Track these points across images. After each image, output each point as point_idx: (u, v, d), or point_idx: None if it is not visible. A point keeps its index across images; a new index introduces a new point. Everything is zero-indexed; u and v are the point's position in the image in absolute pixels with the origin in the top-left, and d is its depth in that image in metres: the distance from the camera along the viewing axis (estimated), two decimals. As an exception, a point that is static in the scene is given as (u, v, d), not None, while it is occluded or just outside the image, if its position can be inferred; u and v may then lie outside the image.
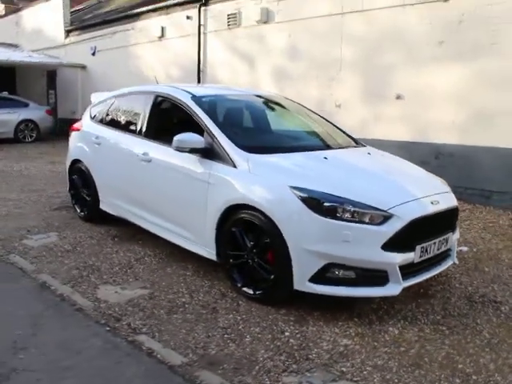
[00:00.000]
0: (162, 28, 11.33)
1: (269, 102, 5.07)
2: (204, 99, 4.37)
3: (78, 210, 5.66)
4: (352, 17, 8.17)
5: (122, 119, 5.08)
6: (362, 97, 8.16)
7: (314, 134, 4.70)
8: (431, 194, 3.64)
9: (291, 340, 3.14)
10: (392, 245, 3.26)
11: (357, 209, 3.25)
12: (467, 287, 4.00)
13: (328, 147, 4.29)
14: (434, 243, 3.55)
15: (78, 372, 2.74)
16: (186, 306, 3.58)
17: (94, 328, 3.25)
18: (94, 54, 13.52)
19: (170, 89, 4.65)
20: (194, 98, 4.34)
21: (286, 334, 3.21)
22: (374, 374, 2.79)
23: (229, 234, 3.72)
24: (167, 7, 11.22)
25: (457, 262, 3.98)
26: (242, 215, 3.59)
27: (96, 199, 5.31)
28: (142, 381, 2.69)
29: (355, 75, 8.24)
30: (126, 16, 12.30)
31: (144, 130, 4.65)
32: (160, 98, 4.68)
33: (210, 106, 4.33)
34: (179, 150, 3.94)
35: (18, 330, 3.16)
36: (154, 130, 4.61)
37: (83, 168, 5.45)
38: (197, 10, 10.48)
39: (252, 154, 3.74)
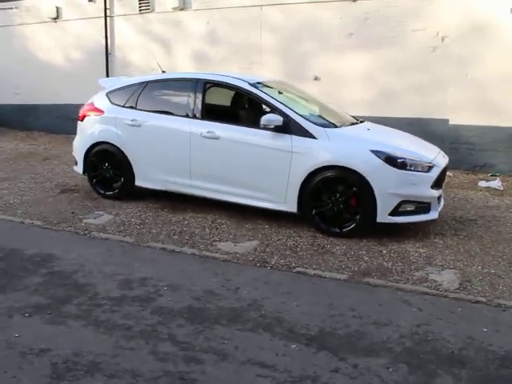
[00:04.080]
0: (57, 8, 10.91)
1: (291, 88, 6.15)
2: (259, 85, 5.31)
3: (102, 191, 5.97)
4: (271, 9, 9.44)
5: (166, 103, 5.66)
6: (282, 78, 9.57)
7: (336, 113, 5.91)
8: (439, 151, 5.35)
9: (391, 254, 4.53)
10: (434, 185, 4.86)
11: (416, 162, 4.76)
12: (447, 214, 5.84)
13: (356, 122, 5.65)
14: (444, 184, 5.28)
15: (297, 293, 3.67)
16: (299, 246, 4.67)
17: (259, 269, 4.14)
18: (-40, 31, 12.05)
19: (222, 77, 5.45)
20: (251, 84, 5.26)
21: (384, 252, 4.59)
22: (457, 262, 4.36)
23: (312, 190, 4.86)
24: (62, -14, 10.84)
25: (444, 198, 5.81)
26: (329, 174, 4.79)
27: (131, 177, 5.77)
28: (344, 289, 3.81)
29: (275, 60, 9.59)
30: (5, -8, 11.35)
31: (200, 112, 5.34)
32: (210, 85, 5.44)
33: (267, 90, 5.29)
34: (265, 127, 4.90)
35: (213, 279, 3.88)
36: (213, 112, 5.37)
37: (111, 149, 5.80)
38: (100, -9, 10.47)
39: (326, 128, 4.93)
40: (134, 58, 10.65)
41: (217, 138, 5.21)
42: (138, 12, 10.43)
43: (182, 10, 10.07)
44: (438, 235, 5.07)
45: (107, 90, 6.01)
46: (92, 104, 6.05)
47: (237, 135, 5.16)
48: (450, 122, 8.51)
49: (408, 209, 4.81)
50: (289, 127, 4.94)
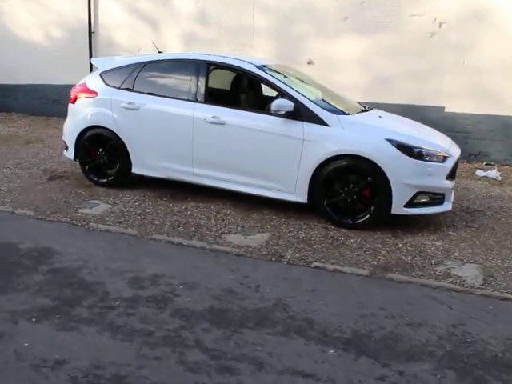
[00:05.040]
0: (36, -18, 10.29)
1: (295, 72, 5.83)
2: (265, 68, 5.01)
3: (96, 178, 5.62)
4: (263, -11, 9.10)
5: (166, 86, 5.30)
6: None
7: (343, 99, 5.65)
8: (452, 141, 5.19)
9: (408, 247, 4.37)
10: (448, 175, 4.71)
11: (432, 152, 4.58)
12: (454, 204, 5.68)
13: (365, 109, 5.42)
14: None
15: (322, 291, 3.47)
16: (312, 239, 4.45)
17: (275, 264, 3.91)
18: None
19: (227, 58, 5.12)
20: (258, 67, 4.96)
21: (400, 245, 4.42)
22: (475, 256, 4.23)
23: (324, 180, 4.64)
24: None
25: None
26: (343, 163, 4.57)
27: (127, 164, 5.43)
28: (369, 286, 3.62)
29: (268, 42, 9.26)
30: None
31: (203, 95, 5.03)
32: (213, 67, 5.11)
33: (275, 74, 5.00)
34: (275, 113, 4.63)
35: (230, 276, 3.64)
36: (217, 95, 5.06)
37: (106, 134, 5.43)
38: (83, -35, 9.89)
39: (339, 115, 4.69)
40: (119, 38, 10.14)
41: (222, 124, 4.91)
42: (123, -12, 9.92)
43: (169, -13, 9.62)
44: (450, 227, 4.93)
45: (101, 71, 5.61)
46: (84, 85, 5.64)
47: (244, 121, 4.87)
48: (446, 110, 8.39)
49: (422, 200, 4.65)
50: (300, 113, 4.68)
